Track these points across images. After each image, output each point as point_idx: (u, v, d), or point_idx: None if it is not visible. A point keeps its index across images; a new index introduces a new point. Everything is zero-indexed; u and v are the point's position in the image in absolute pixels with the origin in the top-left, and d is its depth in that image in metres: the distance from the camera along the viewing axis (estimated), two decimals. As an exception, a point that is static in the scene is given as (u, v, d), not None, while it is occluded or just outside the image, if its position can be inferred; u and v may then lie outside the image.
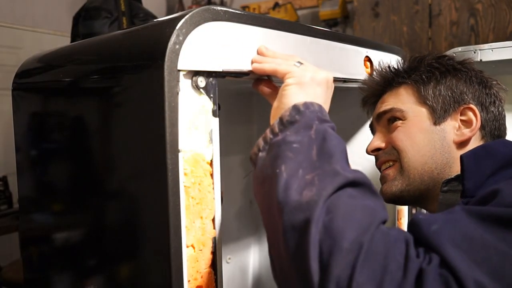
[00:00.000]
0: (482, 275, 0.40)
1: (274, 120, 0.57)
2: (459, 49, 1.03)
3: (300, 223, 0.44)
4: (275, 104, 0.60)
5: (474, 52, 1.00)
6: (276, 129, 0.54)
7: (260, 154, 0.54)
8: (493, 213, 0.46)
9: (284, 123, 0.54)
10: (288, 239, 0.45)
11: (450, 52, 1.04)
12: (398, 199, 0.75)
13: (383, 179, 0.76)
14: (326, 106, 0.61)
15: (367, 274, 0.40)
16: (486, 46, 0.98)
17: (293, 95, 0.58)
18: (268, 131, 0.55)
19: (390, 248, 0.42)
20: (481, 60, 0.99)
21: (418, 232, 0.46)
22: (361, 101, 0.85)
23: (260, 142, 0.55)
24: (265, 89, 0.67)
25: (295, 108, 0.55)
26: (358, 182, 0.48)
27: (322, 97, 0.60)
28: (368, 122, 0.87)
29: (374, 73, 0.82)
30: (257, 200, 0.54)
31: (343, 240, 0.41)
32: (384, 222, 0.46)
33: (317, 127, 0.53)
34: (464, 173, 0.63)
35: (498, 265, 0.42)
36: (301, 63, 0.63)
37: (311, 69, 0.62)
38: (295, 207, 0.45)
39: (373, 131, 0.82)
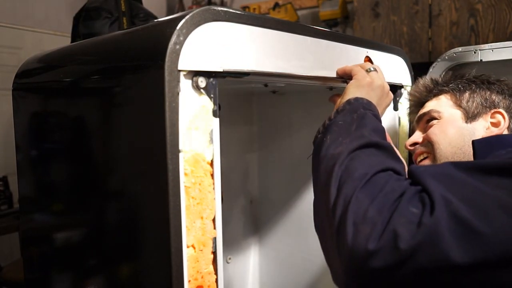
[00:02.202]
0: (452, 197, 0.48)
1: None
2: (459, 49, 1.03)
3: (330, 167, 0.59)
4: (338, 100, 0.75)
5: (475, 52, 1.00)
6: (332, 116, 0.69)
7: (319, 136, 0.68)
8: (476, 164, 0.55)
9: (338, 111, 0.69)
10: (321, 180, 0.60)
11: (450, 52, 1.04)
12: None
13: None
14: (379, 109, 0.74)
15: (366, 193, 0.52)
16: (486, 46, 0.98)
17: (350, 93, 0.73)
18: (326, 119, 0.69)
19: (389, 181, 0.54)
20: (481, 60, 0.99)
21: (411, 175, 0.56)
22: (408, 110, 0.99)
23: (320, 127, 0.69)
24: (336, 99, 0.81)
25: (348, 101, 0.70)
26: (381, 145, 0.61)
27: (374, 100, 0.73)
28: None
29: (418, 85, 0.93)
30: (312, 170, 0.66)
31: (355, 173, 0.55)
32: (395, 172, 0.56)
33: (360, 111, 0.67)
34: (476, 156, 0.69)
35: (470, 195, 0.49)
36: (374, 69, 0.79)
37: (373, 76, 0.77)
38: (329, 158, 0.60)
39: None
